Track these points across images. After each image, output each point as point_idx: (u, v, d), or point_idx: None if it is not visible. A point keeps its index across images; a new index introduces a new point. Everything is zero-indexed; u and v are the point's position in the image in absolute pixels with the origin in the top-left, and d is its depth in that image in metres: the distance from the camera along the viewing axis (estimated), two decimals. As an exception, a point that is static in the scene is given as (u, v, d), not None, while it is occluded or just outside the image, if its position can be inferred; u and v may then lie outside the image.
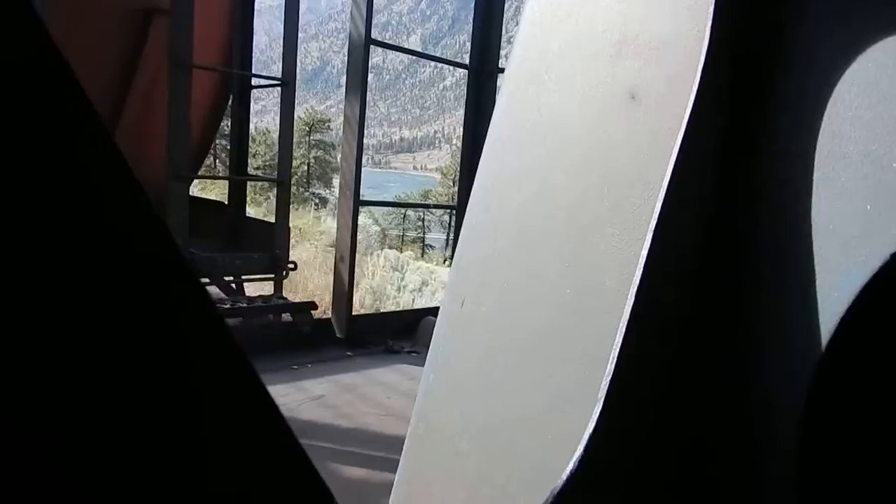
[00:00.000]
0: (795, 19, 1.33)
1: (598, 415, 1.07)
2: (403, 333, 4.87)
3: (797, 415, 1.09)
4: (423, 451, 1.66)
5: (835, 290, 1.12)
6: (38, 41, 0.56)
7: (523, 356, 1.51)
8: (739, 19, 1.37)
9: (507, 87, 1.77)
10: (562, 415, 1.42)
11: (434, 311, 5.06)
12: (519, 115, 1.70)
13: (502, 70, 5.21)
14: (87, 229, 0.61)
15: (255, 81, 7.46)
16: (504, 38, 5.36)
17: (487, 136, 1.77)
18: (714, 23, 1.27)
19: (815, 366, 1.08)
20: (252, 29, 7.20)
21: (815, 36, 1.30)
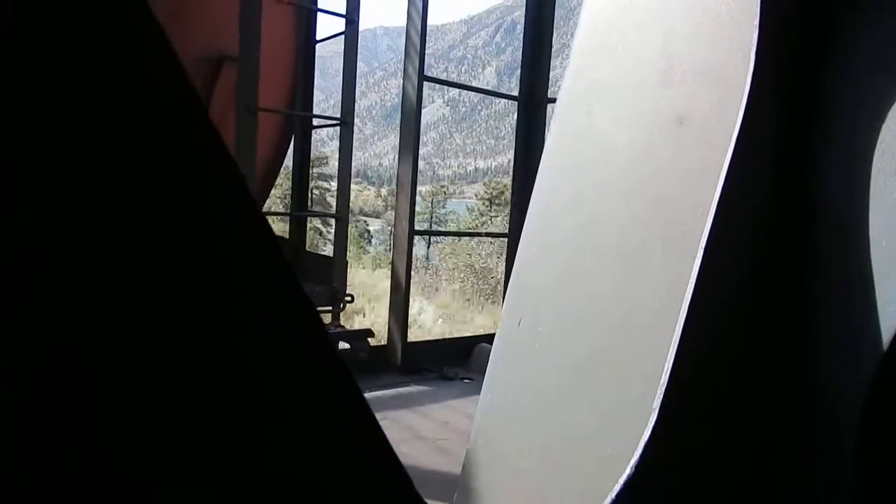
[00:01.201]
0: (842, 48, 1.36)
1: (651, 430, 1.10)
2: (458, 360, 4.92)
3: (857, 417, 1.10)
4: (482, 468, 1.71)
5: (891, 303, 1.13)
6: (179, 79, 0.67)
7: (578, 375, 1.55)
8: (784, 48, 1.41)
9: (559, 116, 1.84)
10: (616, 432, 1.45)
11: (487, 338, 5.10)
12: (570, 143, 1.77)
13: (551, 100, 5.29)
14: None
15: (316, 122, 7.74)
16: (552, 70, 5.45)
17: (541, 164, 1.83)
18: (759, 47, 1.32)
19: (875, 370, 1.09)
20: (313, 72, 7.49)
21: (866, 59, 1.33)
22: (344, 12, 6.24)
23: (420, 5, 4.61)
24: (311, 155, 7.53)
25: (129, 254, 0.66)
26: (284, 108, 7.08)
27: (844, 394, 1.15)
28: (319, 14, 6.83)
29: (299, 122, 7.28)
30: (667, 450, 1.09)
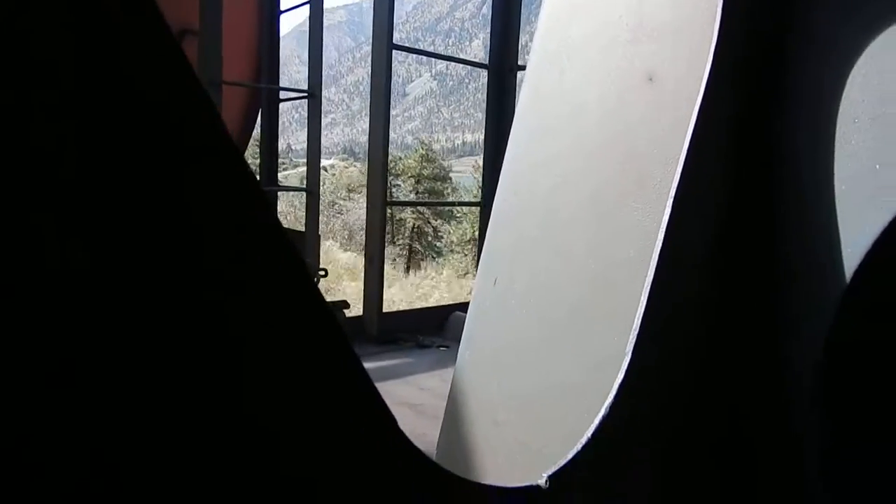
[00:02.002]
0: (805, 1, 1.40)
1: (624, 373, 1.15)
2: (434, 329, 4.97)
3: (820, 348, 1.16)
4: (461, 424, 1.75)
5: (849, 246, 1.19)
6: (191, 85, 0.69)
7: (554, 329, 1.59)
8: (750, 3, 1.44)
9: (530, 77, 1.86)
10: (594, 382, 1.50)
11: (462, 307, 5.15)
12: (542, 103, 1.79)
13: (521, 67, 5.29)
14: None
15: (283, 94, 7.62)
16: (522, 38, 5.44)
17: (513, 124, 1.86)
18: (725, 3, 1.35)
19: (836, 308, 1.15)
20: (278, 43, 7.34)
21: (827, 9, 1.37)
22: (309, -20, 6.13)
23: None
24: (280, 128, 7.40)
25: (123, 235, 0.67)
26: (249, 81, 6.96)
27: (810, 327, 1.21)
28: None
29: (266, 95, 7.16)
30: (640, 391, 1.14)
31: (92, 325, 0.66)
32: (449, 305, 5.50)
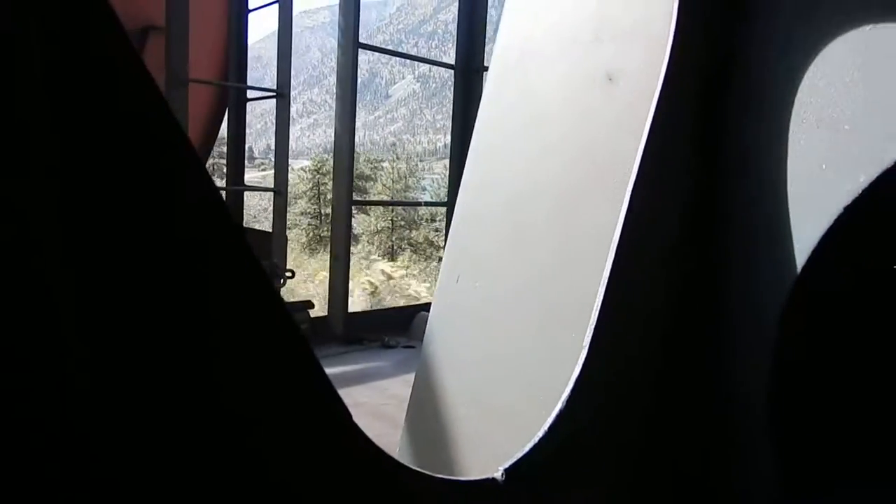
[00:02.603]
0: (754, 6, 1.44)
1: (581, 365, 1.17)
2: (399, 329, 4.97)
3: (769, 347, 1.19)
4: (423, 418, 1.76)
5: (796, 242, 1.23)
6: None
7: (515, 324, 1.61)
8: (704, 8, 1.48)
9: (493, 73, 1.87)
10: (552, 377, 1.52)
11: (427, 307, 5.16)
12: (505, 99, 1.81)
13: (486, 69, 5.32)
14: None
15: (251, 94, 7.52)
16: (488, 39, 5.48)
17: (477, 120, 1.87)
18: (680, 7, 1.38)
19: (783, 303, 1.18)
20: (247, 41, 7.25)
21: (773, 16, 1.41)
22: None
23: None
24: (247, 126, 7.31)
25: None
26: (217, 80, 6.86)
27: (758, 318, 1.24)
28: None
29: (234, 94, 7.06)
30: (596, 385, 1.15)
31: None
32: (414, 306, 5.50)
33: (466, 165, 1.96)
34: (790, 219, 1.26)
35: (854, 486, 1.49)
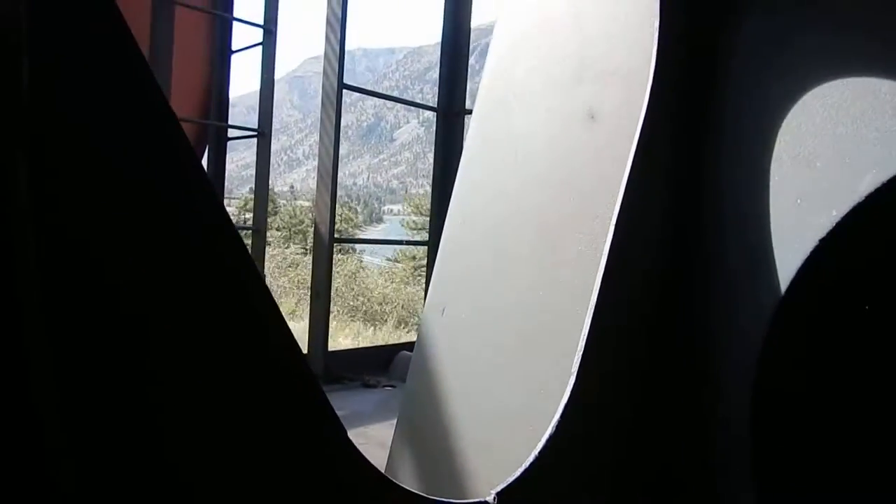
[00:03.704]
0: (728, 49, 1.52)
1: (569, 392, 1.19)
2: (379, 368, 4.93)
3: (749, 379, 1.22)
4: (408, 450, 1.74)
5: (774, 275, 1.27)
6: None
7: (501, 356, 1.62)
8: (680, 51, 1.55)
9: (478, 113, 1.93)
10: (541, 407, 1.53)
11: (408, 346, 5.13)
12: (489, 137, 1.86)
13: (469, 111, 5.44)
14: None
15: (232, 133, 7.56)
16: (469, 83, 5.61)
17: (462, 160, 1.91)
18: (659, 49, 1.45)
19: (764, 332, 1.22)
20: (229, 82, 7.33)
21: (746, 58, 1.49)
22: (262, 22, 6.18)
23: (338, 9, 4.66)
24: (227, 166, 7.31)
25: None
26: (197, 118, 6.90)
27: (734, 355, 1.27)
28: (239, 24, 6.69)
29: (214, 133, 7.10)
30: (585, 410, 1.17)
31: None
32: (395, 345, 5.47)
33: (452, 200, 2.00)
34: (769, 251, 1.31)
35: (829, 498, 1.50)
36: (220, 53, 7.30)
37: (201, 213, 0.77)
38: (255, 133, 6.34)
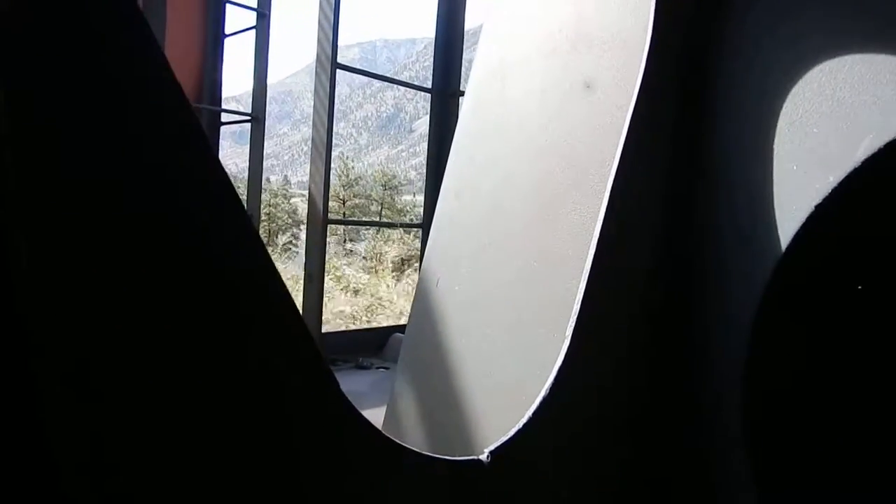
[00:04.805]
0: (727, 17, 1.50)
1: (563, 356, 1.18)
2: (373, 350, 4.93)
3: (745, 337, 1.22)
4: (401, 424, 1.74)
5: (771, 240, 1.27)
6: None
7: (495, 328, 1.62)
8: (678, 18, 1.54)
9: (473, 85, 1.91)
10: (535, 379, 1.52)
11: (401, 328, 5.13)
12: (485, 110, 1.84)
13: (463, 93, 5.40)
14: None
15: (225, 117, 7.51)
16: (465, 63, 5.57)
17: (456, 131, 1.90)
18: (657, 16, 1.44)
19: (758, 300, 1.21)
20: (222, 66, 7.27)
21: (746, 26, 1.47)
22: (255, 6, 6.11)
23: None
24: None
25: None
26: (190, 102, 6.85)
27: (733, 331, 1.27)
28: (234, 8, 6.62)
29: (206, 117, 7.04)
30: (579, 375, 1.17)
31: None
32: (389, 327, 5.47)
33: (446, 174, 1.98)
34: (765, 218, 1.30)
35: (827, 494, 1.51)
36: (214, 37, 7.24)
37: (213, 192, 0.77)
38: (248, 118, 6.29)
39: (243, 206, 0.84)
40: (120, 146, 0.72)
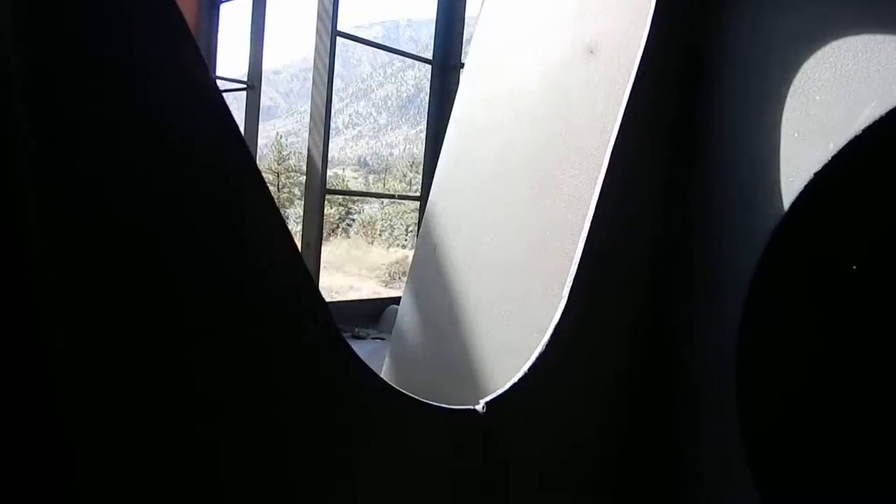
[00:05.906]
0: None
1: (560, 313, 1.19)
2: (369, 321, 4.95)
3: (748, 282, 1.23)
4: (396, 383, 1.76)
5: (772, 206, 1.27)
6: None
7: (492, 292, 1.63)
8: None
9: (475, 51, 1.89)
10: (533, 344, 1.53)
11: (398, 301, 5.16)
12: (486, 75, 1.83)
13: (463, 65, 5.36)
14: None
15: (220, 85, 7.44)
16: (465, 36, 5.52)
17: (457, 96, 1.89)
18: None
19: (756, 264, 1.22)
20: (217, 32, 7.20)
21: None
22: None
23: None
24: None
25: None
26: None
27: (734, 268, 1.28)
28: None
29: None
30: (573, 333, 1.18)
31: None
32: (384, 298, 5.49)
33: (445, 140, 1.98)
34: (766, 184, 1.31)
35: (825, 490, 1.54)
36: (209, 4, 7.15)
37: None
38: (244, 86, 6.24)
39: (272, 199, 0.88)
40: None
